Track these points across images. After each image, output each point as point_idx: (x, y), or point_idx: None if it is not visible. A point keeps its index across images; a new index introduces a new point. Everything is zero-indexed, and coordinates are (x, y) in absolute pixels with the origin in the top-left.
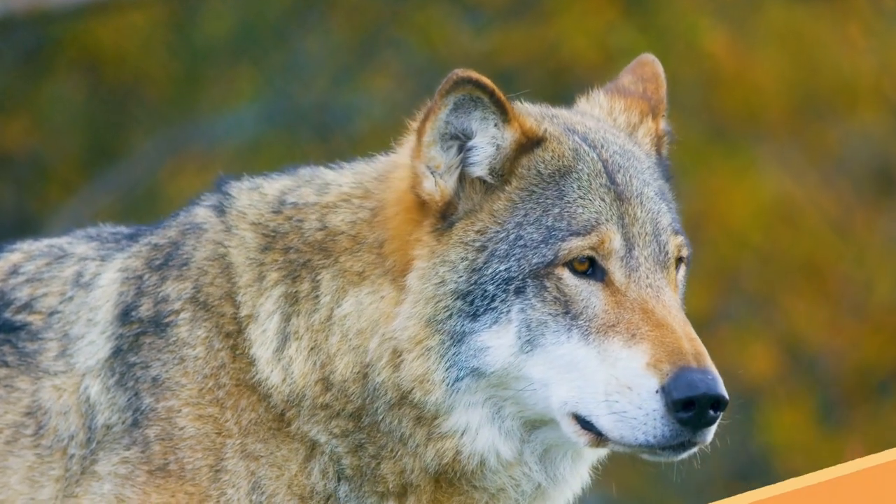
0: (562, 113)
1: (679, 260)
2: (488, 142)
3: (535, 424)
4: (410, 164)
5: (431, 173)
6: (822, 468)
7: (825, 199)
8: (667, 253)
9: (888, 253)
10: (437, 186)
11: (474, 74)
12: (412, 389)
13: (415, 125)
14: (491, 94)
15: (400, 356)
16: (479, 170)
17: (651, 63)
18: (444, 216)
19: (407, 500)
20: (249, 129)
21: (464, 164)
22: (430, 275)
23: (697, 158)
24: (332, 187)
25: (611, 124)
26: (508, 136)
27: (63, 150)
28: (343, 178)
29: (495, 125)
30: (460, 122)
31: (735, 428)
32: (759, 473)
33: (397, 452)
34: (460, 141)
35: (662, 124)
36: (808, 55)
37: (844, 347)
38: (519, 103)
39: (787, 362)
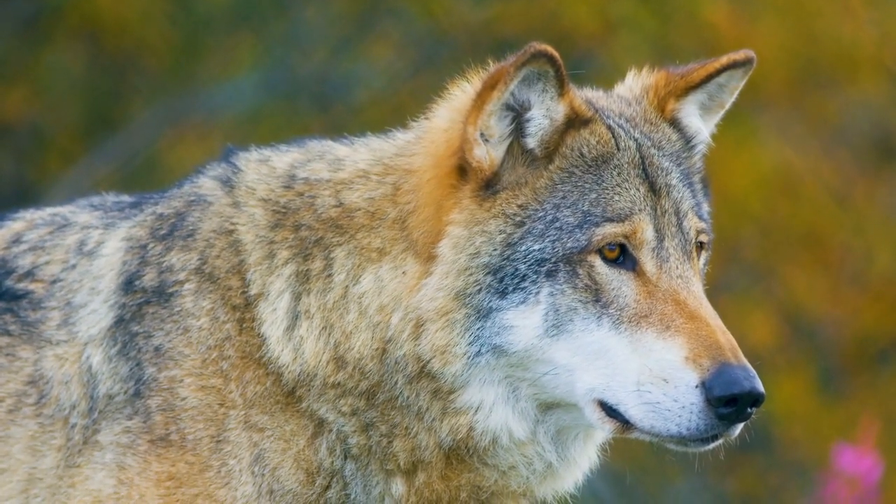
0: (596, 94)
1: (700, 245)
2: (543, 114)
3: (549, 406)
4: (461, 130)
5: (485, 141)
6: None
7: (825, 168)
8: (690, 241)
9: (888, 222)
10: (488, 154)
11: (549, 49)
12: (431, 360)
13: (467, 89)
14: (558, 69)
15: (422, 326)
16: (532, 142)
17: (731, 55)
18: (488, 185)
19: (416, 477)
20: (249, 98)
21: (516, 134)
22: (465, 244)
23: None
24: (346, 163)
25: (636, 105)
26: (561, 111)
27: (62, 120)
28: (358, 155)
29: (552, 98)
30: (523, 93)
31: None
32: (758, 443)
33: (412, 429)
34: (515, 112)
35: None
36: (809, 25)
37: (844, 317)
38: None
39: (787, 332)
